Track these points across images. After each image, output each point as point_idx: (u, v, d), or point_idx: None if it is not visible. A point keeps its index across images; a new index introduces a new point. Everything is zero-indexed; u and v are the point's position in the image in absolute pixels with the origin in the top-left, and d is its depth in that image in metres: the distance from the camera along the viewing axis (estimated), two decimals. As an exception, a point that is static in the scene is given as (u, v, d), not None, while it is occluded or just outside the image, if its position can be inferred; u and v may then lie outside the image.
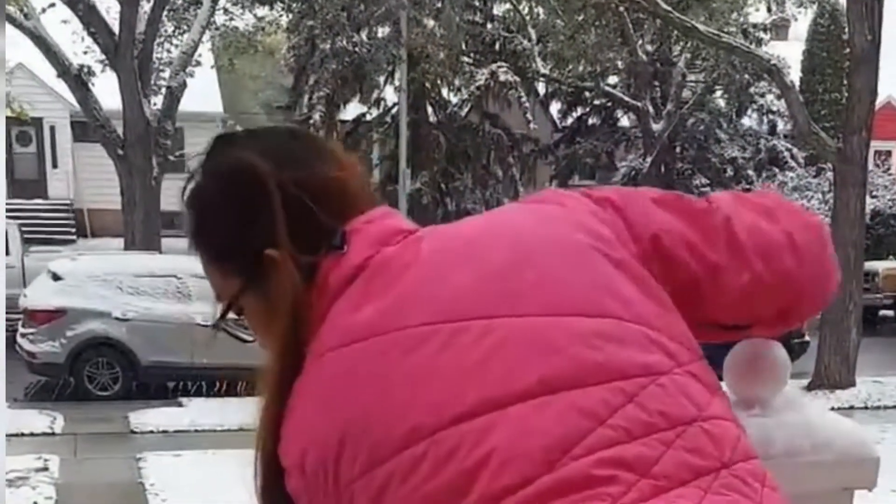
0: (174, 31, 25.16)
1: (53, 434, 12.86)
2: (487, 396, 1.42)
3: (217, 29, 26.86)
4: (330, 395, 1.50)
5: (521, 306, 1.49)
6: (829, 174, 20.88)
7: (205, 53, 26.65)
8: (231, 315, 1.69)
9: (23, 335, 15.17)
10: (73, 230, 31.96)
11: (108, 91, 21.64)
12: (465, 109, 32.05)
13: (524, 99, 30.47)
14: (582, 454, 1.37)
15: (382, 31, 28.24)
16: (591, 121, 35.35)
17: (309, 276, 1.57)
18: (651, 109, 30.87)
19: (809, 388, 15.72)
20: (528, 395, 1.41)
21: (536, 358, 1.44)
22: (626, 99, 31.79)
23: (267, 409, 1.60)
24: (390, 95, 30.63)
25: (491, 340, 1.46)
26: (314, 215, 1.57)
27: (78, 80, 21.26)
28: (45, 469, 10.56)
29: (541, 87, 34.37)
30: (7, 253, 19.79)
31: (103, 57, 22.01)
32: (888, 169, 34.37)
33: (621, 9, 25.26)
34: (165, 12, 23.45)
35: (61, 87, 25.30)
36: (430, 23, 28.32)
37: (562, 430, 1.39)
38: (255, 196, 1.56)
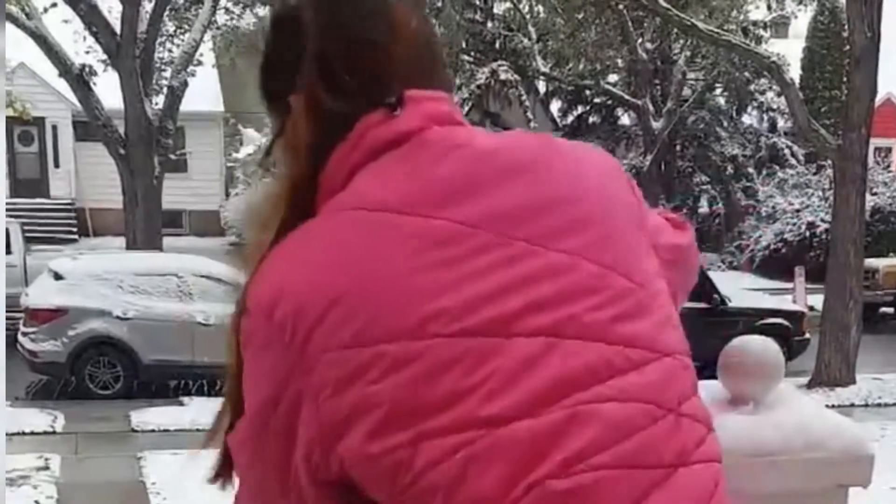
0: (176, 31, 25.22)
1: (55, 433, 12.84)
2: (501, 319, 1.39)
3: (218, 28, 26.91)
4: (340, 251, 1.43)
5: (563, 242, 1.46)
6: (830, 171, 20.85)
7: (206, 53, 26.67)
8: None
9: (24, 334, 15.14)
10: (75, 229, 31.93)
11: (109, 90, 21.65)
12: (466, 108, 31.99)
13: (524, 97, 30.44)
14: (571, 405, 1.37)
15: (383, 30, 28.18)
16: (591, 119, 35.35)
17: (338, 132, 1.52)
18: (651, 107, 30.85)
19: (810, 385, 15.71)
20: (539, 332, 1.39)
21: (558, 299, 1.42)
22: (627, 97, 31.78)
23: (256, 250, 1.53)
24: (391, 94, 30.53)
25: (525, 267, 1.43)
26: (347, 76, 1.52)
27: (80, 79, 21.26)
28: (47, 468, 10.55)
29: (541, 86, 34.38)
30: (9, 252, 19.79)
31: (105, 56, 22.02)
32: (888, 166, 34.32)
33: (621, 7, 25.27)
34: (167, 12, 23.47)
35: (63, 87, 25.28)
36: (431, 21, 28.30)
37: (558, 378, 1.38)
38: (293, 46, 1.53)
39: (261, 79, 1.64)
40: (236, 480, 1.61)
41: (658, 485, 1.38)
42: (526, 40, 30.72)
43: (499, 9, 32.67)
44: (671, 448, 1.42)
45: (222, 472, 1.64)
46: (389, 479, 1.37)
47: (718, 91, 33.43)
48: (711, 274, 19.25)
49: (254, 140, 34.59)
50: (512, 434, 1.35)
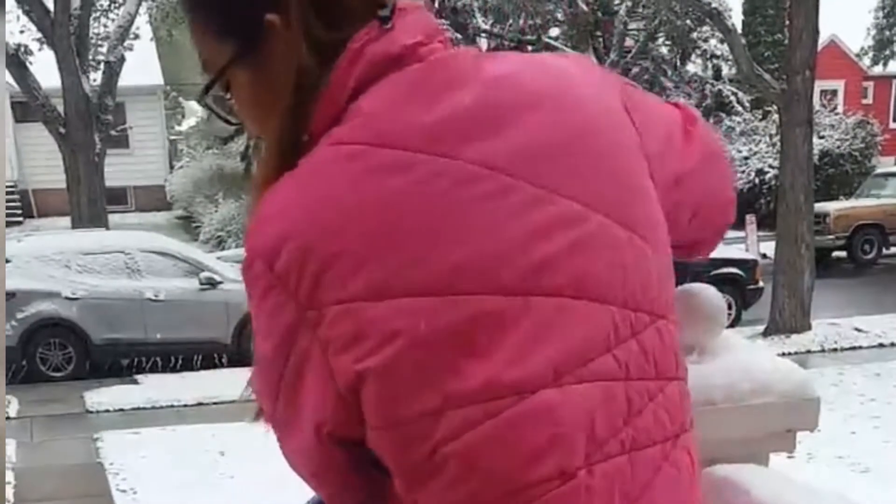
0: (110, 5, 24.89)
1: (9, 418, 12.71)
2: (521, 277, 1.28)
3: (153, 0, 26.60)
4: (349, 188, 1.28)
5: (573, 187, 1.34)
6: (776, 117, 20.93)
7: (142, 26, 26.42)
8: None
9: (-29, 319, 15.03)
10: (20, 211, 31.77)
11: (46, 69, 21.37)
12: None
13: (467, 55, 30.39)
14: (587, 378, 1.30)
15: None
16: (536, 74, 35.35)
17: (326, 52, 1.36)
18: (594, 60, 30.84)
19: (766, 333, 15.80)
20: (556, 292, 1.30)
21: (571, 254, 1.32)
22: (569, 50, 31.73)
23: (256, 193, 1.38)
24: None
25: (541, 216, 1.31)
26: None
27: (15, 59, 20.97)
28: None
29: (483, 43, 34.28)
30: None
31: (40, 35, 21.73)
32: (834, 108, 34.55)
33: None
34: (100, -14, 23.22)
35: (-1, 68, 24.98)
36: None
37: (573, 345, 1.29)
38: None
39: None
40: None
41: (665, 458, 1.36)
42: (465, -2, 30.66)
43: (436, -33, 32.54)
44: (675, 418, 1.39)
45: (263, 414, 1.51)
46: (406, 448, 1.29)
47: (661, 40, 33.45)
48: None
49: (195, 112, 34.35)
50: (537, 406, 1.27)
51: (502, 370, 1.26)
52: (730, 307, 15.57)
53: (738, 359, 1.99)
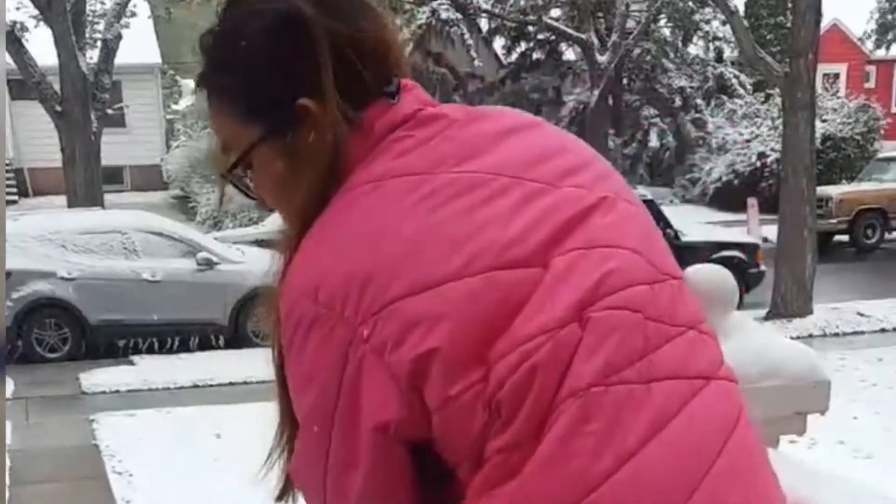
0: (107, -18, 24.82)
1: (3, 399, 12.63)
2: (539, 248, 1.44)
3: (151, -23, 26.55)
4: (366, 224, 1.47)
5: (571, 180, 1.53)
6: (778, 100, 20.86)
7: (140, 3, 26.32)
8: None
9: (-34, 299, 14.92)
10: (15, 190, 31.64)
11: (43, 47, 21.26)
12: (408, 49, 31.79)
13: (467, 36, 30.31)
14: (609, 306, 1.42)
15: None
16: (535, 55, 35.16)
17: (353, 127, 1.54)
18: (596, 41, 30.70)
19: (767, 318, 15.74)
20: (574, 249, 1.45)
21: (582, 217, 1.49)
22: (570, 32, 31.59)
23: (288, 248, 1.55)
24: (333, 39, 30.27)
25: (544, 201, 1.49)
26: (359, 72, 1.54)
27: (12, 36, 20.86)
28: (-4, 435, 10.38)
29: (483, 24, 34.20)
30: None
31: (36, 12, 21.61)
32: (837, 92, 34.44)
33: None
34: (97, -36, 23.10)
35: (-5, 46, 24.86)
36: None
37: (592, 283, 1.42)
38: (300, 42, 1.51)
39: (245, 80, 1.57)
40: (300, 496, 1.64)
41: (696, 393, 1.43)
42: (466, -22, 30.51)
43: (437, -53, 32.37)
44: (699, 361, 1.47)
45: (287, 491, 1.67)
46: (472, 415, 1.40)
47: (663, 22, 33.34)
48: (664, 208, 18.93)
49: (192, 91, 34.23)
50: (563, 340, 1.38)
51: (530, 319, 1.39)
52: (730, 290, 15.49)
53: (748, 341, 1.93)
